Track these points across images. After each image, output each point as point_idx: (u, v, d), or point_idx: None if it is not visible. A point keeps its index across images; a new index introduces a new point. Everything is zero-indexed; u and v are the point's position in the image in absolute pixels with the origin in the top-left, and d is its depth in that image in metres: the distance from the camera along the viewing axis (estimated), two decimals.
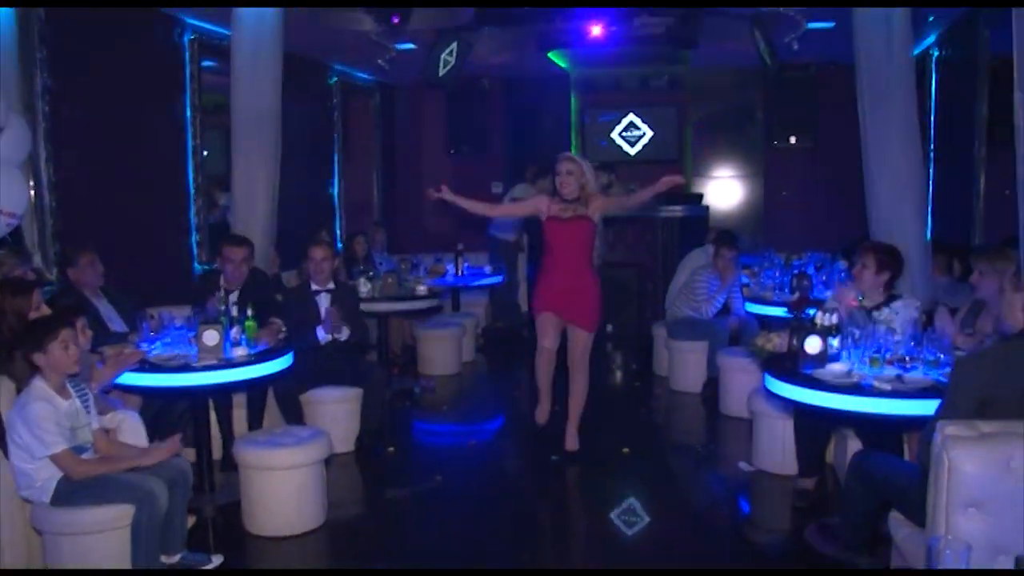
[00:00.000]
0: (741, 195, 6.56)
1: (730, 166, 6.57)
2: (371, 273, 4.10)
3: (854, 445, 2.56)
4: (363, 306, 3.64)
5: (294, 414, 3.14)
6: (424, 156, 7.10)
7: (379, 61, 4.58)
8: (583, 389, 3.16)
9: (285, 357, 2.65)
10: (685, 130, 6.65)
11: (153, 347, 2.54)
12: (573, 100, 6.82)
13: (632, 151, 6.84)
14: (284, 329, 2.91)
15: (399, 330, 4.91)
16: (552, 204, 3.16)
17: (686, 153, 6.67)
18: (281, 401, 3.13)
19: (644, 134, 6.77)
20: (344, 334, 3.26)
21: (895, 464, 2.10)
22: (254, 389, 2.98)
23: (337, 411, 3.25)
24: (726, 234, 4.32)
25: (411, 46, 4.82)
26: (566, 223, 3.11)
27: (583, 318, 3.11)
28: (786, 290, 3.88)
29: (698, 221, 5.51)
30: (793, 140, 6.32)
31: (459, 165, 7.04)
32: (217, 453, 2.88)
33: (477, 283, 5.03)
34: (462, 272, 4.92)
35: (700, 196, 6.02)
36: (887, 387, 2.19)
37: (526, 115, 6.81)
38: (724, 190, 6.59)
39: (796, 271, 4.01)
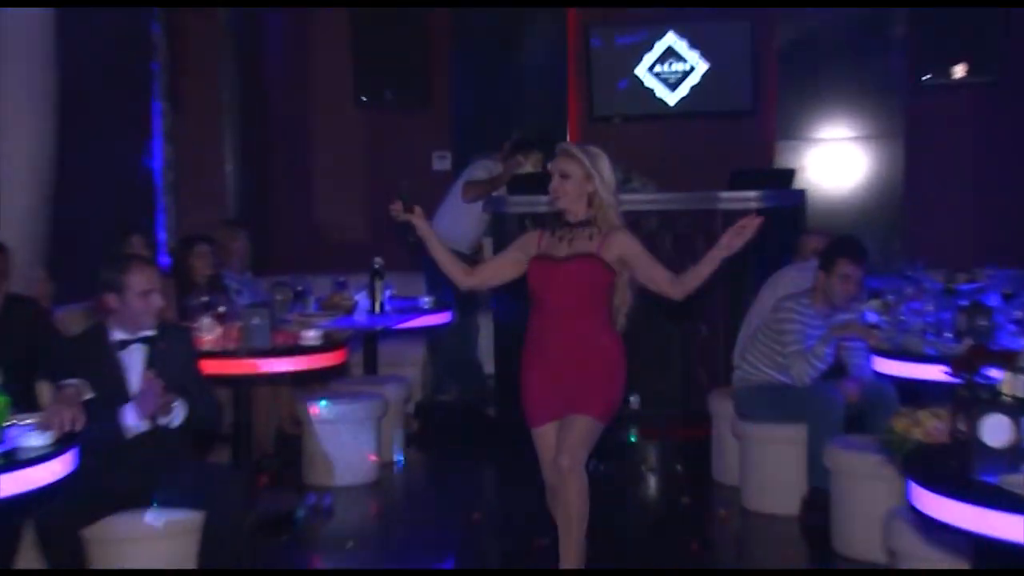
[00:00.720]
0: (864, 171, 6.65)
1: (844, 121, 6.67)
2: (222, 309, 4.06)
3: None
4: (209, 366, 3.62)
5: (68, 560, 2.99)
6: (315, 108, 7.27)
7: None
8: (578, 512, 3.16)
9: (59, 460, 2.55)
10: (763, 61, 6.77)
11: None
12: (571, 12, 6.93)
13: (671, 98, 6.94)
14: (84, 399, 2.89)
15: (271, 408, 4.98)
16: (544, 235, 3.29)
17: (766, 101, 6.80)
18: (48, 541, 2.97)
19: (693, 68, 6.88)
20: (174, 417, 3.20)
21: None
22: None
23: (156, 554, 3.11)
24: (844, 242, 4.30)
25: None
26: (559, 264, 3.21)
27: (585, 399, 3.18)
28: (948, 335, 3.83)
29: (788, 216, 5.57)
30: (959, 73, 6.29)
31: (376, 123, 7.23)
32: None
33: (407, 324, 5.07)
34: (382, 306, 4.95)
35: (790, 174, 6.08)
36: None
37: (491, 43, 6.93)
38: (833, 162, 6.69)
39: (965, 303, 4.00)
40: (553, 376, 3.19)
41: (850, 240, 4.34)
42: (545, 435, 3.23)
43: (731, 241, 3.14)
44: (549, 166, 3.29)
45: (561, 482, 3.15)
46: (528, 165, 5.80)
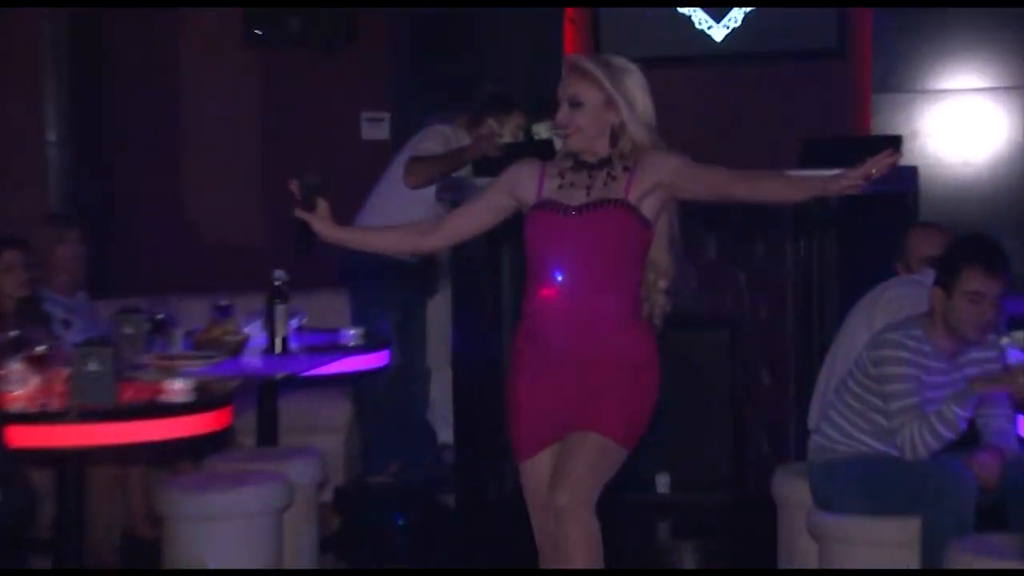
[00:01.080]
0: (1004, 140, 6.72)
1: (976, 65, 6.75)
2: (41, 348, 4.05)
3: None
4: (19, 435, 3.62)
5: None
6: (183, 48, 7.30)
7: None
8: (585, 551, 3.28)
9: None
10: None
11: None
12: None
13: (718, 32, 6.99)
14: None
15: (115, 499, 4.93)
16: (548, 174, 3.42)
17: (858, 36, 6.85)
18: None
19: None
20: None
21: None
22: None
23: None
24: (970, 244, 4.31)
25: None
26: (573, 217, 3.34)
27: (597, 411, 3.33)
28: None
29: (893, 206, 5.58)
30: None
31: (277, 69, 7.27)
32: None
33: (323, 370, 5.09)
34: (285, 344, 4.98)
35: (895, 143, 6.08)
36: None
37: None
38: (959, 127, 6.75)
39: None
40: (553, 382, 3.33)
41: (980, 241, 4.34)
42: (536, 468, 3.36)
43: (875, 168, 3.30)
44: (559, 89, 3.39)
45: (558, 529, 3.24)
46: (506, 133, 5.80)
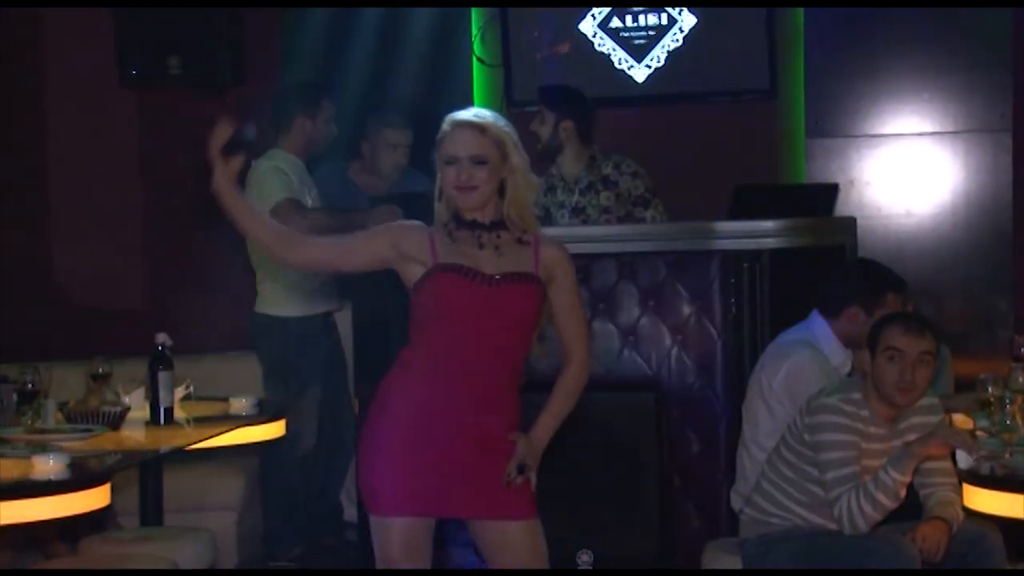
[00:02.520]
0: (950, 187, 6.80)
1: (917, 108, 6.84)
2: None
3: None
4: None
5: None
6: (53, 89, 7.26)
7: None
8: None
9: None
10: (785, 15, 6.96)
11: None
12: None
13: (639, 72, 7.09)
14: None
15: None
16: (436, 234, 3.62)
17: (791, 76, 6.97)
18: None
19: (673, 23, 7.08)
20: None
21: None
22: None
23: None
24: (868, 276, 4.67)
25: None
26: (491, 288, 3.56)
27: (510, 496, 3.62)
28: None
29: (828, 260, 5.67)
30: None
31: (156, 110, 7.27)
32: None
33: (214, 442, 5.01)
34: (168, 414, 4.94)
35: (830, 193, 6.24)
36: None
37: None
38: (899, 173, 6.84)
39: None
40: (436, 451, 3.52)
41: (872, 273, 4.64)
42: (392, 530, 3.54)
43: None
44: (441, 141, 3.56)
45: None
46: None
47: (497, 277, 3.53)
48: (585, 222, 5.92)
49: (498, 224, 3.58)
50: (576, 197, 6.00)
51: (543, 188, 5.98)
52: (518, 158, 3.57)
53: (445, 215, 3.60)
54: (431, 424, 3.53)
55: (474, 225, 3.58)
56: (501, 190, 3.56)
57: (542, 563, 3.63)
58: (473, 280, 3.51)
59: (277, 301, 5.93)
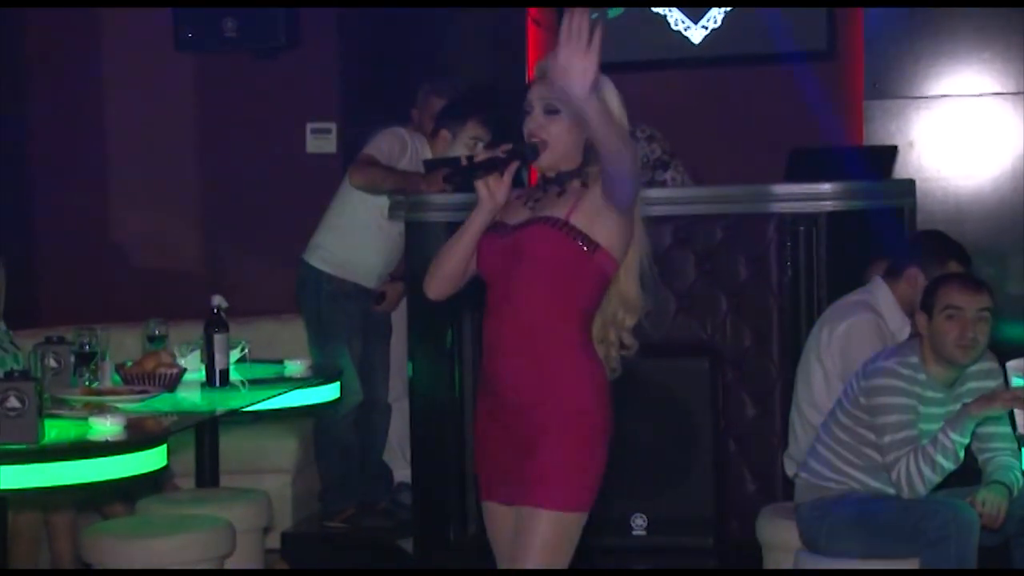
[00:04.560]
0: (1006, 150, 6.75)
1: (972, 71, 6.78)
2: None
3: None
4: None
5: None
6: (109, 53, 7.32)
7: None
8: None
9: None
10: None
11: None
12: None
13: (695, 32, 7.07)
14: None
15: (41, 547, 4.87)
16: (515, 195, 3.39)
17: (849, 37, 6.94)
18: None
19: None
20: None
21: None
22: None
23: None
24: (931, 245, 4.66)
25: None
26: (508, 234, 3.32)
27: (540, 474, 3.27)
28: None
29: (887, 223, 5.66)
30: None
31: (212, 74, 7.30)
32: None
33: (267, 404, 5.08)
34: (224, 376, 4.97)
35: (889, 154, 6.25)
36: None
37: None
38: (960, 135, 6.79)
39: None
40: (502, 425, 3.32)
41: (938, 241, 4.60)
42: (495, 516, 3.38)
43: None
44: (528, 96, 3.29)
45: None
46: (458, 144, 5.81)
47: (516, 225, 3.28)
48: None
49: (564, 176, 3.29)
50: None
51: None
52: (612, 105, 3.20)
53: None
54: (492, 395, 3.34)
55: (542, 178, 3.32)
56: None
57: (545, 556, 3.26)
58: (494, 233, 3.31)
59: (322, 256, 5.94)
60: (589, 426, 3.29)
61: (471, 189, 3.33)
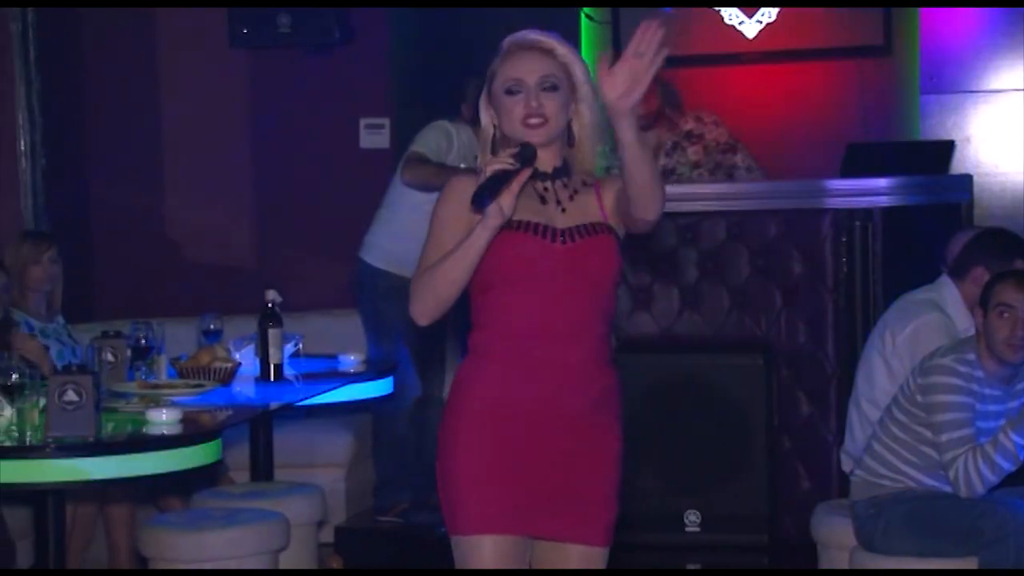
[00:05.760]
0: None
1: None
2: (15, 377, 4.02)
3: None
4: (10, 469, 3.70)
5: None
6: (166, 51, 7.35)
7: None
8: None
9: None
10: None
11: None
12: None
13: (750, 29, 7.06)
14: None
15: (100, 534, 4.86)
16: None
17: (905, 31, 6.88)
18: None
19: None
20: None
21: None
22: None
23: None
24: (991, 244, 4.59)
25: None
26: (560, 244, 3.09)
27: (584, 509, 3.11)
28: None
29: (943, 218, 5.66)
30: None
31: (266, 71, 7.30)
32: None
33: (322, 399, 5.09)
34: (279, 371, 4.99)
35: (946, 149, 6.21)
36: None
37: None
38: (1014, 131, 6.74)
39: None
40: (527, 459, 3.04)
41: (1002, 239, 4.54)
42: (482, 551, 3.04)
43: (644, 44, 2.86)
44: (498, 67, 3.10)
45: None
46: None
47: (568, 231, 3.05)
48: (677, 183, 5.87)
49: (560, 171, 3.11)
50: (662, 161, 5.95)
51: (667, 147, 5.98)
52: (587, 88, 3.08)
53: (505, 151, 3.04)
54: (511, 425, 3.06)
55: (535, 174, 3.05)
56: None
57: None
58: (544, 238, 3.04)
59: (377, 254, 5.95)
60: (616, 438, 3.16)
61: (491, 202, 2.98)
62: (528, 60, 3.07)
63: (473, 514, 3.06)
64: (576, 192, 3.11)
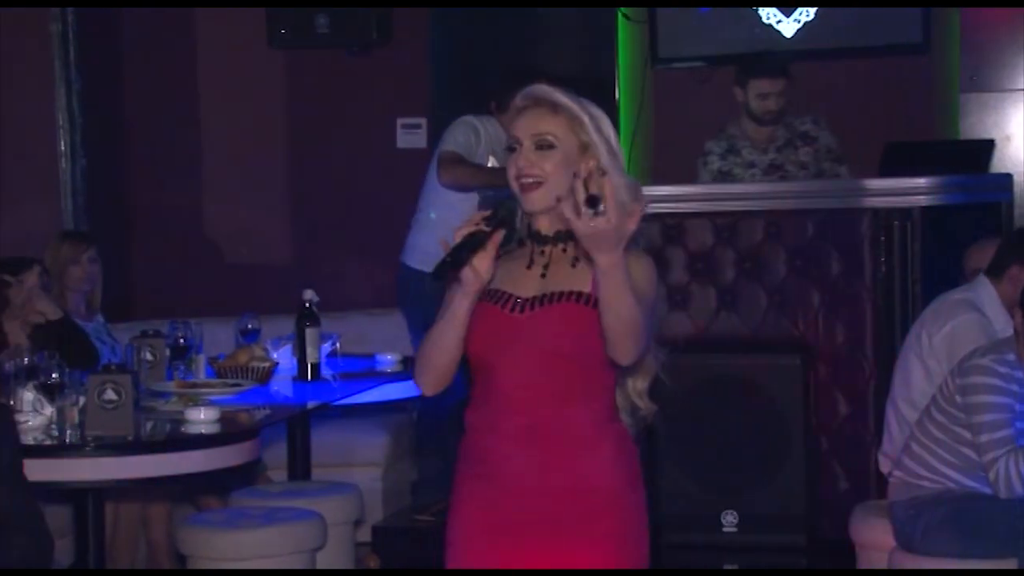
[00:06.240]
0: None
1: None
2: (55, 376, 4.07)
3: None
4: (33, 469, 3.63)
5: None
6: (204, 51, 7.39)
7: None
8: None
9: None
10: None
11: None
12: None
13: (788, 28, 7.04)
14: None
15: (136, 537, 4.93)
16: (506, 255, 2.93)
17: (945, 29, 6.83)
18: None
19: None
20: None
21: None
22: None
23: None
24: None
25: None
26: (520, 315, 2.89)
27: (592, 543, 2.89)
28: None
29: (983, 218, 5.63)
30: None
31: (305, 72, 7.33)
32: None
33: (359, 399, 5.12)
34: (316, 370, 5.00)
35: (987, 148, 6.18)
36: None
37: None
38: None
39: None
40: (513, 537, 2.87)
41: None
42: None
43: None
44: (510, 126, 2.93)
45: None
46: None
47: (532, 300, 2.84)
48: (783, 178, 5.88)
49: (564, 235, 2.85)
50: (771, 155, 5.97)
51: (719, 151, 5.97)
52: (604, 149, 2.84)
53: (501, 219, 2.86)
54: (495, 507, 2.89)
55: (535, 237, 2.88)
56: None
57: None
58: (503, 308, 2.86)
59: (419, 256, 5.96)
60: (630, 506, 2.91)
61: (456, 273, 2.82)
62: (528, 117, 2.89)
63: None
64: (579, 260, 2.84)
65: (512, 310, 2.87)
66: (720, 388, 5.42)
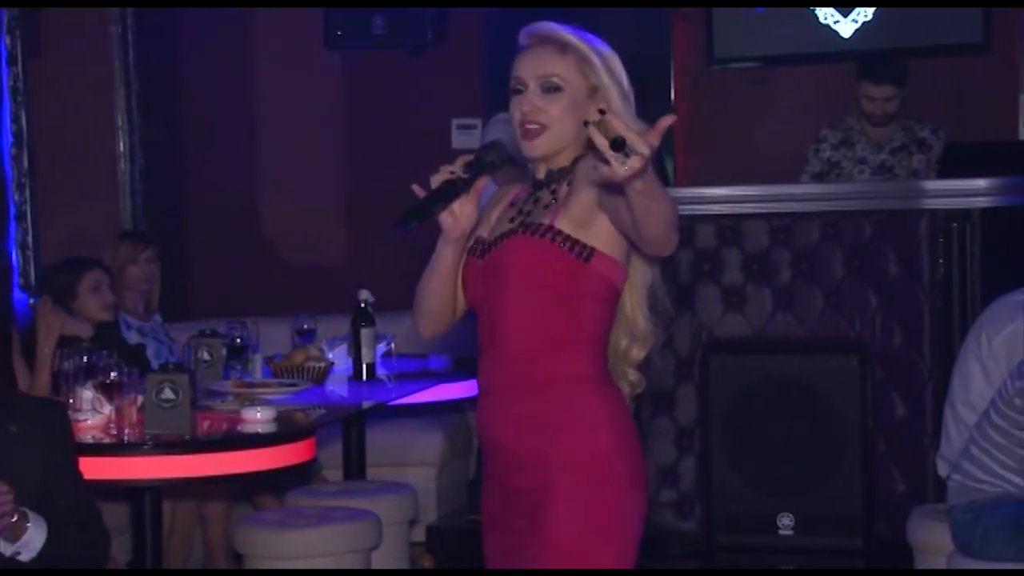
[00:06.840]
0: None
1: None
2: (113, 375, 4.10)
3: None
4: (91, 467, 3.67)
5: None
6: (261, 53, 7.46)
7: None
8: None
9: None
10: None
11: None
12: None
13: (846, 29, 6.98)
14: None
15: (194, 535, 4.99)
16: (504, 201, 2.87)
17: (1005, 29, 6.83)
18: None
19: None
20: (26, 546, 3.30)
21: None
22: None
23: None
24: None
25: None
26: (485, 254, 2.79)
27: (544, 531, 2.70)
28: None
29: None
30: None
31: (360, 72, 7.39)
32: None
33: (413, 399, 5.13)
34: (372, 370, 5.03)
35: None
36: None
37: None
38: None
39: None
40: (505, 483, 2.77)
41: None
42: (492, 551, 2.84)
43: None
44: (513, 65, 2.80)
45: None
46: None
47: (493, 241, 2.74)
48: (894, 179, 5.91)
49: (554, 176, 2.74)
50: (884, 156, 5.97)
51: (833, 140, 5.97)
52: (615, 88, 2.68)
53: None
54: (491, 443, 2.79)
55: (534, 183, 2.77)
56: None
57: None
58: (471, 255, 2.79)
59: None
60: (613, 479, 2.68)
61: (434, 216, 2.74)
62: (534, 57, 2.77)
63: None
64: (552, 199, 2.73)
65: (478, 255, 2.79)
66: (776, 389, 5.40)
